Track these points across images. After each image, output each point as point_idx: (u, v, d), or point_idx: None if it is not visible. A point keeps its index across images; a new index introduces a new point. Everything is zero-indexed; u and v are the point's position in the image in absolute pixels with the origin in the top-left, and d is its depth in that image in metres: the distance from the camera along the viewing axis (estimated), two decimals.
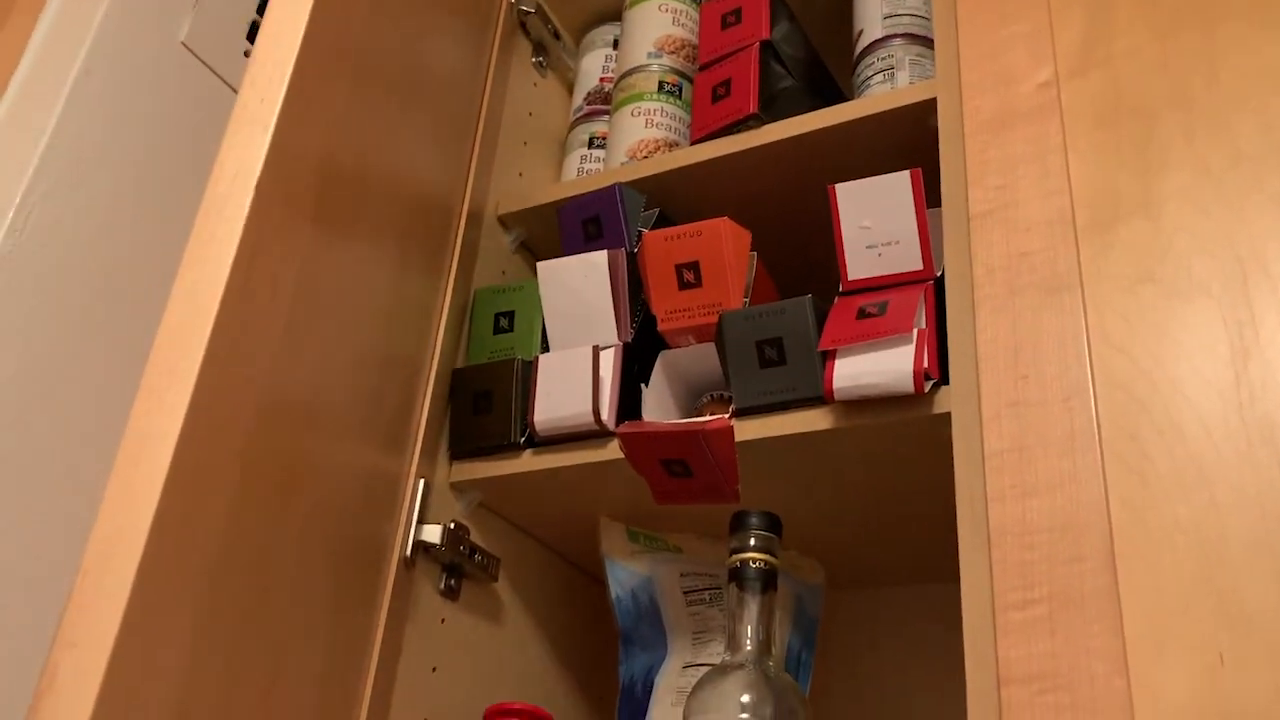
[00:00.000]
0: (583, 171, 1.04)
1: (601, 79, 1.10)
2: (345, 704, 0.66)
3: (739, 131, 0.88)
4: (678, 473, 0.77)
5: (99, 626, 0.48)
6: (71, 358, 0.67)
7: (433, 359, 0.84)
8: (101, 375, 0.69)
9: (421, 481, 0.80)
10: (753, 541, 0.73)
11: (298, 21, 0.63)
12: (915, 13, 0.90)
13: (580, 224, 0.91)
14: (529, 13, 1.06)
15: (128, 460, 0.51)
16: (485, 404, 0.85)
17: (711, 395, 0.84)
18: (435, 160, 0.83)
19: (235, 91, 0.81)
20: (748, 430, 0.75)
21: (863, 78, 0.90)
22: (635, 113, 0.99)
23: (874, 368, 0.69)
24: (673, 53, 1.01)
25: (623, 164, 0.96)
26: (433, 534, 0.79)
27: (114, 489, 0.51)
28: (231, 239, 0.58)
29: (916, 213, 0.73)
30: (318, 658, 0.63)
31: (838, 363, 0.71)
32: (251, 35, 0.83)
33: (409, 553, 0.77)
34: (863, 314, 0.72)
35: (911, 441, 0.72)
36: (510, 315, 0.90)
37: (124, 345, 0.71)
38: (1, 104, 0.71)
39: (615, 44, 1.10)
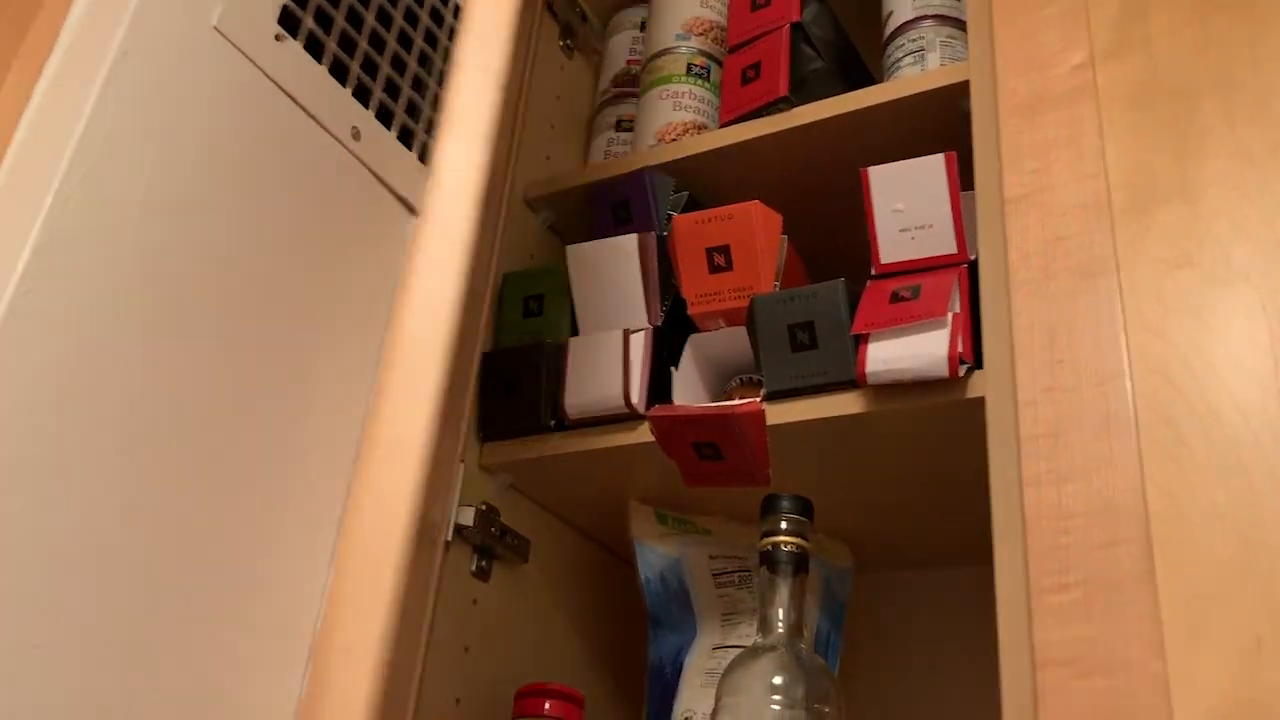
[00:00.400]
0: (610, 154, 1.04)
1: (629, 61, 1.10)
2: (402, 685, 0.66)
3: (769, 114, 0.88)
4: (708, 456, 0.77)
5: (369, 630, 0.48)
6: (113, 345, 0.68)
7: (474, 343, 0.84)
8: (143, 363, 0.70)
9: (461, 464, 0.81)
10: (784, 525, 0.73)
11: None
12: None
13: (610, 208, 0.91)
14: None
15: (381, 463, 0.51)
16: (515, 387, 0.85)
17: (741, 379, 0.85)
18: None
19: (266, 76, 0.81)
20: (779, 414, 0.75)
21: (893, 60, 0.90)
22: (663, 95, 0.98)
23: (907, 352, 0.69)
24: (701, 35, 1.01)
25: (651, 147, 0.96)
26: (466, 516, 0.80)
27: (367, 493, 0.51)
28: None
29: (951, 196, 0.73)
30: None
31: (870, 346, 0.71)
32: (282, 20, 0.82)
33: (449, 535, 0.78)
34: (896, 298, 0.72)
35: (944, 426, 0.72)
36: (540, 298, 0.90)
37: (165, 332, 0.71)
38: (39, 87, 0.72)
39: (642, 26, 1.10)
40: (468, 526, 0.80)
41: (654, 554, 0.88)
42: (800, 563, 0.72)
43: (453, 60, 0.62)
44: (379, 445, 0.52)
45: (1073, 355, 0.64)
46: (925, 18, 0.89)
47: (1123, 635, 0.57)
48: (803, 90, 0.89)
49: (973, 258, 0.73)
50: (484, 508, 0.82)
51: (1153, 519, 0.59)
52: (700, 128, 0.96)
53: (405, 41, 0.96)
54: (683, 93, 0.98)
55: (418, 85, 0.97)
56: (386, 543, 0.50)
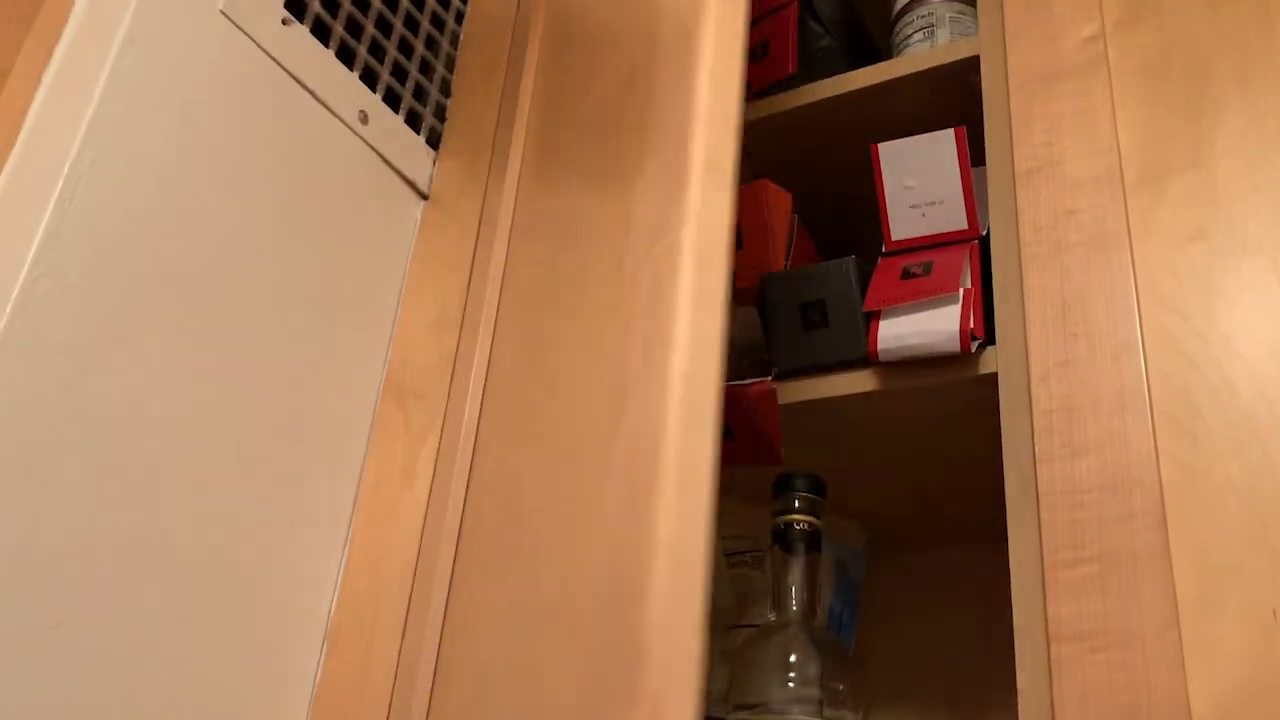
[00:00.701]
0: None
1: None
2: None
3: (779, 93, 0.87)
4: (720, 435, 0.77)
5: (685, 653, 0.48)
6: (126, 329, 0.68)
7: None
8: (156, 347, 0.70)
9: None
10: (797, 504, 0.73)
11: None
12: None
13: None
14: None
15: (678, 483, 0.51)
16: None
17: (752, 358, 0.84)
18: None
19: (273, 59, 0.81)
20: (791, 392, 0.75)
21: (902, 36, 0.89)
22: None
23: (919, 328, 0.69)
24: None
25: None
26: None
27: (674, 520, 0.51)
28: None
29: (961, 171, 0.73)
30: None
31: (882, 324, 0.71)
32: (288, 4, 0.82)
33: None
34: (907, 274, 0.72)
35: (957, 403, 0.72)
36: None
37: (176, 316, 0.71)
38: (46, 75, 0.72)
39: None
40: None
41: None
42: (813, 541, 0.72)
43: (694, 110, 0.61)
44: (670, 481, 0.51)
45: (1086, 329, 0.64)
46: None
47: (1138, 609, 0.56)
48: (811, 68, 0.88)
49: (984, 233, 0.73)
50: None
51: (1167, 492, 0.58)
52: None
53: (412, 24, 0.95)
54: None
55: (425, 69, 0.96)
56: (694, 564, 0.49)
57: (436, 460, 0.81)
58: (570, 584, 0.60)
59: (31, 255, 0.65)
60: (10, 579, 0.60)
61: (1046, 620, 0.58)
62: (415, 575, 0.77)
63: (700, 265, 0.55)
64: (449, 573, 0.73)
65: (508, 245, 0.86)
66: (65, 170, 0.67)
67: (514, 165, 0.90)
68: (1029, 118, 0.71)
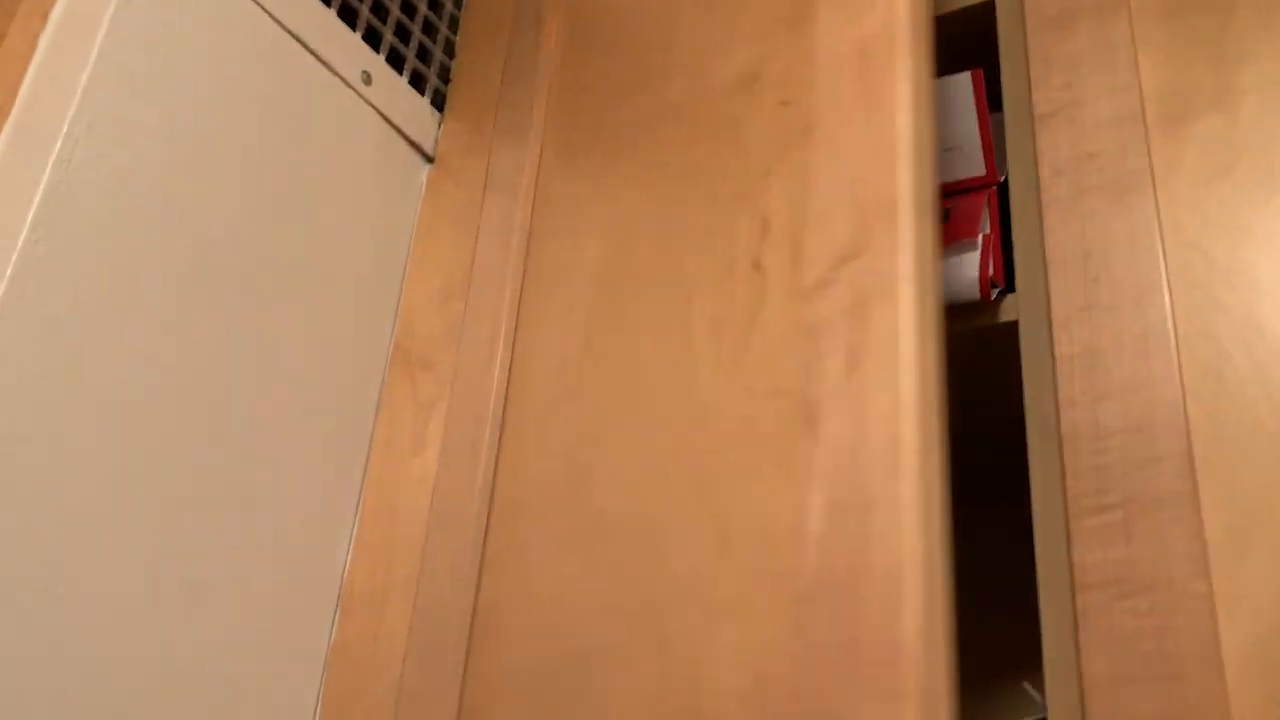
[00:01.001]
0: None
1: None
2: None
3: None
4: None
5: (931, 675, 0.48)
6: (124, 297, 0.67)
7: None
8: (156, 316, 0.69)
9: None
10: None
11: None
12: None
13: None
14: None
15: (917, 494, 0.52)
16: None
17: None
18: None
19: (274, 19, 0.79)
20: None
21: None
22: None
23: None
24: None
25: None
26: None
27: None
28: None
29: (979, 116, 0.71)
30: None
31: None
32: None
33: None
34: None
35: (976, 351, 0.70)
36: None
37: (176, 278, 0.70)
38: (43, 37, 0.71)
39: None
40: None
41: None
42: None
43: (889, 142, 0.61)
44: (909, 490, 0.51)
45: (1108, 273, 0.62)
46: None
47: (1165, 555, 0.55)
48: None
49: (1002, 179, 0.71)
50: None
51: (1194, 435, 0.57)
52: None
53: None
54: None
55: (428, 29, 0.95)
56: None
57: (446, 428, 0.80)
58: (715, 569, 0.59)
59: (30, 219, 0.64)
60: (14, 552, 0.60)
61: (1072, 568, 0.57)
62: (426, 540, 0.76)
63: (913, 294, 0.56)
64: (478, 536, 0.73)
65: (530, 215, 0.85)
66: (63, 132, 0.66)
67: (533, 133, 0.89)
68: (1047, 59, 0.69)
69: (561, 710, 0.63)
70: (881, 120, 0.61)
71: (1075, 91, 0.68)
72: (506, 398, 0.78)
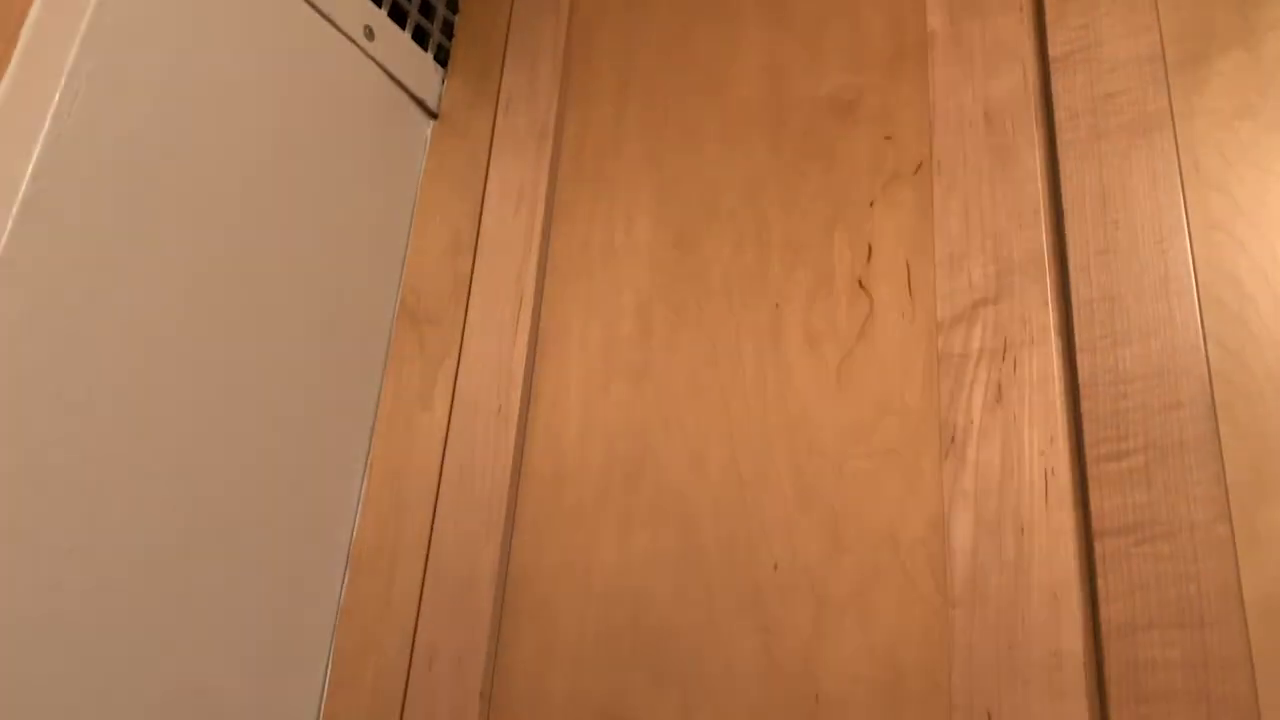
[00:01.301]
0: None
1: None
2: None
3: None
4: None
5: (1090, 678, 0.54)
6: (125, 248, 0.66)
7: None
8: (156, 269, 0.68)
9: None
10: None
11: None
12: None
13: None
14: None
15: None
16: None
17: None
18: None
19: None
20: None
21: None
22: None
23: None
24: None
25: None
26: None
27: None
28: None
29: None
30: None
31: None
32: None
33: None
34: None
35: None
36: None
37: (176, 236, 0.69)
38: None
39: None
40: None
41: None
42: None
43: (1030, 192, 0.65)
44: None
45: (1128, 216, 0.61)
46: None
47: (1186, 499, 0.54)
48: None
49: None
50: None
51: (1216, 379, 0.56)
52: None
53: None
54: None
55: None
56: None
57: (457, 385, 0.79)
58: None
59: (30, 170, 0.63)
60: (17, 500, 0.59)
61: (1089, 514, 0.56)
62: (439, 499, 0.75)
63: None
64: (503, 500, 0.72)
65: (547, 179, 0.84)
66: (63, 82, 0.65)
67: (543, 92, 0.87)
68: (1063, 0, 0.68)
69: (636, 681, 0.64)
70: (1018, 180, 0.65)
71: (1092, 32, 0.66)
72: (534, 365, 0.77)
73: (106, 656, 0.62)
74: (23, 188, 0.62)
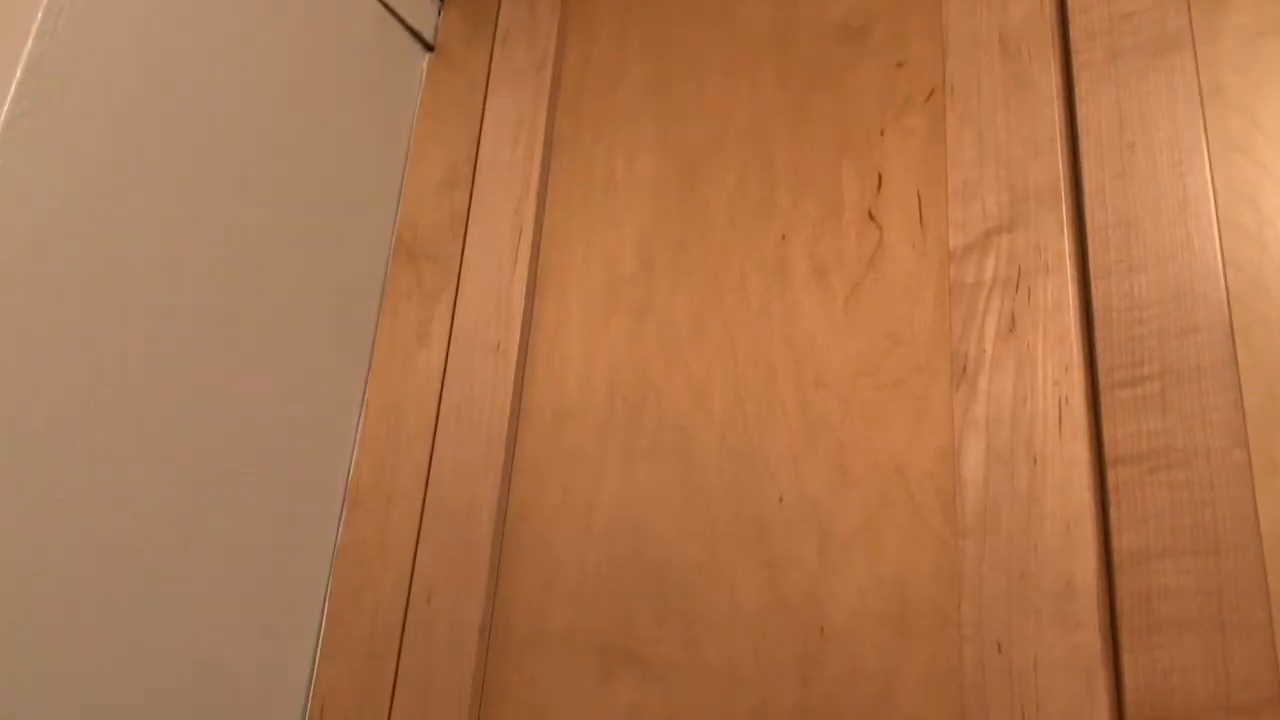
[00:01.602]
0: None
1: None
2: None
3: None
4: None
5: (1102, 609, 0.53)
6: (114, 177, 0.65)
7: None
8: (147, 199, 0.66)
9: None
10: None
11: None
12: None
13: None
14: None
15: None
16: None
17: None
18: None
19: None
20: None
21: None
22: None
23: None
24: None
25: None
26: None
27: None
28: None
29: None
30: None
31: None
32: None
33: None
34: None
35: None
36: None
37: (166, 168, 0.68)
38: None
39: None
40: None
41: None
42: None
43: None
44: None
45: (1145, 138, 0.59)
46: None
47: (1202, 425, 0.53)
48: None
49: None
50: None
51: (1234, 303, 0.54)
52: None
53: None
54: None
55: None
56: None
57: (455, 321, 0.77)
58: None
59: (13, 90, 0.61)
60: (10, 441, 0.58)
61: (1102, 442, 0.55)
62: (437, 435, 0.74)
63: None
64: (502, 436, 0.71)
65: (545, 112, 0.81)
66: (44, 2, 0.63)
67: (542, 25, 0.85)
68: None
69: (638, 615, 0.63)
70: (1034, 106, 0.63)
71: None
72: (533, 301, 0.76)
73: (104, 598, 0.61)
74: (5, 108, 0.60)
